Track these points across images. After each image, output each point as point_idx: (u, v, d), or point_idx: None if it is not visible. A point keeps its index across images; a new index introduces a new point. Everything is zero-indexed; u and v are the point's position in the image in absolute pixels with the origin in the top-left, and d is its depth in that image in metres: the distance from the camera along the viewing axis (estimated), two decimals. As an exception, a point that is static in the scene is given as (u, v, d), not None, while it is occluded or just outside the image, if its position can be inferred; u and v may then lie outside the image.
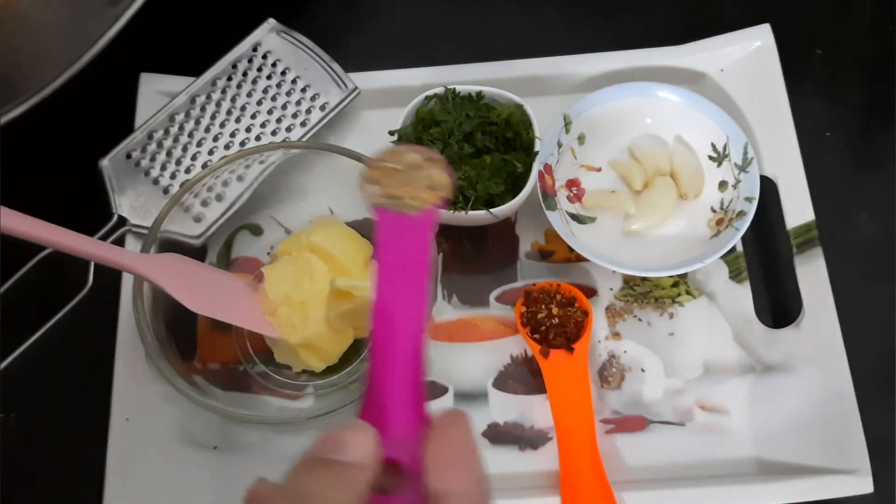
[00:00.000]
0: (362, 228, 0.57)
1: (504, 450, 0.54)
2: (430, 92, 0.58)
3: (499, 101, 0.58)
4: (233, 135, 0.60)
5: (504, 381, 0.56)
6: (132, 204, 0.58)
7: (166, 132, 0.60)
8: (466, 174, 0.55)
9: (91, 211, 0.58)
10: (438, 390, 0.55)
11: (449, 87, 0.58)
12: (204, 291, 0.52)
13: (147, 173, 0.59)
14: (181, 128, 0.60)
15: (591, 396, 0.53)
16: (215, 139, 0.60)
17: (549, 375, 0.53)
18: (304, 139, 0.60)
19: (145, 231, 0.57)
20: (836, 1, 0.68)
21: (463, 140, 0.56)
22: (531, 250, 0.59)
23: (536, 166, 0.56)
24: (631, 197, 0.59)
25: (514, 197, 0.55)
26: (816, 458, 0.52)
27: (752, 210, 0.56)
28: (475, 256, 0.59)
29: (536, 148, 0.56)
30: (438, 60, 0.63)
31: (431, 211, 0.40)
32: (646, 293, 0.57)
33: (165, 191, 0.59)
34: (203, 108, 0.61)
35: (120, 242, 0.58)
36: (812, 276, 0.57)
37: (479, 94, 0.58)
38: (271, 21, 0.63)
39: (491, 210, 0.55)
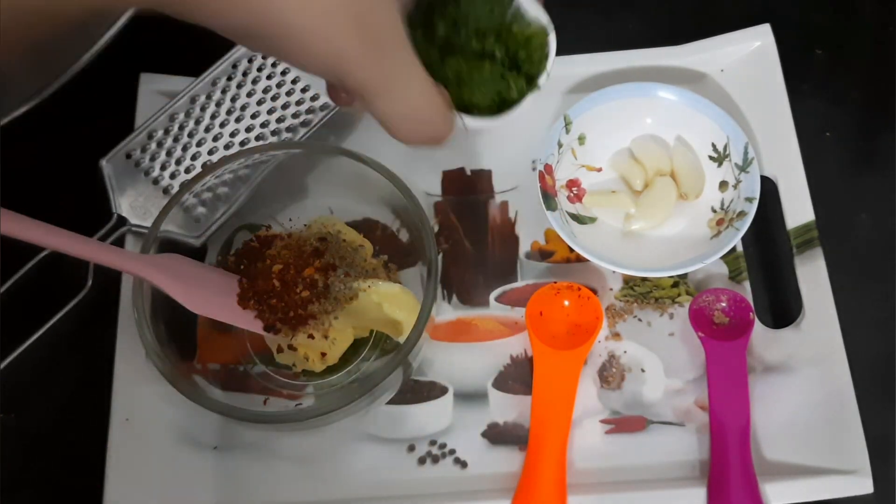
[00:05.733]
0: (361, 228, 0.57)
1: (504, 450, 0.54)
2: None
3: (528, 14, 0.51)
4: (233, 135, 0.60)
5: (504, 381, 0.56)
6: (132, 204, 0.58)
7: (166, 132, 0.60)
8: (457, 69, 0.48)
9: (91, 211, 0.58)
10: (438, 390, 0.55)
11: None
12: (204, 292, 0.52)
13: (147, 173, 0.59)
14: (181, 128, 0.60)
15: (574, 402, 0.53)
16: (215, 139, 0.60)
17: (539, 372, 0.54)
18: (305, 139, 0.60)
19: (145, 231, 0.57)
20: (836, 1, 0.68)
21: (473, 34, 0.49)
22: (531, 250, 0.59)
23: (532, 99, 0.50)
24: (631, 197, 0.59)
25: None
26: (816, 458, 0.52)
27: (752, 210, 0.56)
28: (475, 256, 0.59)
29: (541, 81, 0.50)
30: (438, 60, 0.63)
31: (746, 337, 0.54)
32: (646, 293, 0.57)
33: (165, 191, 0.59)
34: (203, 109, 0.61)
35: (120, 242, 0.58)
36: (812, 276, 0.57)
37: None
38: (271, 21, 0.62)
39: (463, 115, 0.49)
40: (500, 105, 0.49)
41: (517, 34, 0.50)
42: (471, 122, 0.49)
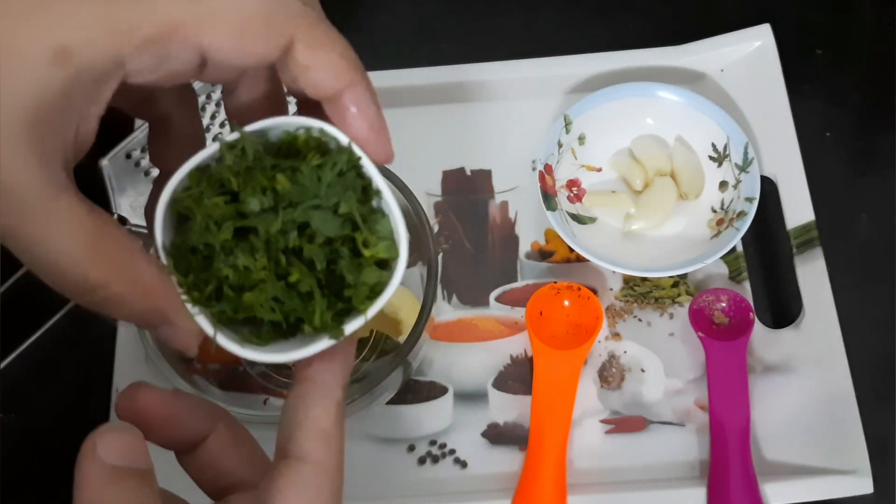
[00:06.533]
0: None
1: (504, 450, 0.54)
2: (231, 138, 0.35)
3: (384, 224, 0.33)
4: (233, 135, 0.60)
5: (504, 381, 0.56)
6: (132, 204, 0.58)
7: (166, 132, 0.60)
8: (246, 264, 0.32)
9: (91, 211, 0.58)
10: (438, 390, 0.55)
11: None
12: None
13: (147, 173, 0.59)
14: (181, 128, 0.60)
15: (574, 402, 0.53)
16: (215, 139, 0.60)
17: (539, 372, 0.54)
18: (304, 139, 0.60)
19: (145, 231, 0.57)
20: (836, 1, 0.68)
21: (297, 227, 0.32)
22: (531, 250, 0.59)
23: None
24: (631, 197, 0.59)
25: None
26: (816, 458, 0.52)
27: (752, 210, 0.56)
28: (475, 256, 0.59)
29: (352, 326, 0.32)
30: (438, 60, 0.63)
31: (746, 337, 0.54)
32: (646, 293, 0.57)
33: (165, 191, 0.59)
34: (203, 108, 0.61)
35: (120, 242, 0.58)
36: (812, 276, 0.57)
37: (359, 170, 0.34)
38: (271, 21, 0.62)
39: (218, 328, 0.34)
40: (291, 329, 0.33)
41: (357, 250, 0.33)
42: (228, 342, 0.33)
